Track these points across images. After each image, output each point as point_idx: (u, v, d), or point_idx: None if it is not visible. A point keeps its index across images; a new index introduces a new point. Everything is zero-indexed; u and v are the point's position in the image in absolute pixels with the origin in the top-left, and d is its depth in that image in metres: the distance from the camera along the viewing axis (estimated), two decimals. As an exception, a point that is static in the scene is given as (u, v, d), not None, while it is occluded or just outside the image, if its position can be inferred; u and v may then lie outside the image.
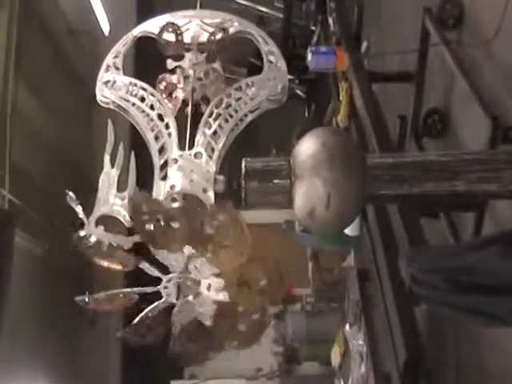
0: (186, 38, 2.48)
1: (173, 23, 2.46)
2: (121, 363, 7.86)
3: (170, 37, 2.46)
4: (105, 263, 2.05)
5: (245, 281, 1.96)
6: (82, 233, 2.04)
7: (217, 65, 2.45)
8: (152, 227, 1.92)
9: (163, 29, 2.46)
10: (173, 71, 2.44)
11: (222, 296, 1.98)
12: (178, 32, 2.43)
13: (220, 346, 2.06)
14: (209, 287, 2.00)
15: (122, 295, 2.08)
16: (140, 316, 2.07)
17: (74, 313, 5.70)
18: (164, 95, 2.36)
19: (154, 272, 2.03)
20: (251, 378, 8.07)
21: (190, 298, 2.02)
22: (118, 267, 2.05)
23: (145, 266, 2.02)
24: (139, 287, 2.08)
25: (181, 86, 2.39)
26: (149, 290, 2.04)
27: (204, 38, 2.45)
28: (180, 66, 2.42)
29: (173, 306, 2.08)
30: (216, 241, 1.89)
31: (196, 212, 1.93)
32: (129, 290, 2.08)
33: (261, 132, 7.31)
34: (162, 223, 1.90)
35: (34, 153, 6.05)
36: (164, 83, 2.40)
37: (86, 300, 2.06)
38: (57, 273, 6.10)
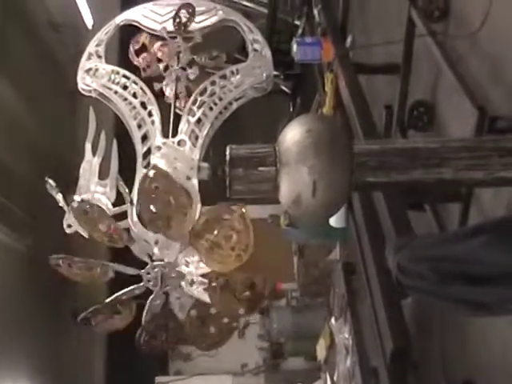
0: (170, 27, 2.45)
1: (189, 4, 2.40)
2: (105, 359, 7.81)
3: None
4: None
5: (230, 287, 1.92)
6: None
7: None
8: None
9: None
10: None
11: (203, 295, 1.94)
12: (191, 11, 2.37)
13: (186, 342, 2.03)
14: (192, 283, 1.97)
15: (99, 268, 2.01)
16: (112, 297, 2.00)
17: (56, 308, 5.68)
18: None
19: (142, 257, 1.98)
20: (237, 374, 8.08)
21: (169, 288, 1.97)
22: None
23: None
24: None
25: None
26: (130, 271, 1.98)
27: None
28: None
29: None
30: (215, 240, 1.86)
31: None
32: (110, 264, 2.01)
33: (246, 128, 7.29)
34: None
35: (15, 147, 5.99)
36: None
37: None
38: (39, 269, 6.04)
